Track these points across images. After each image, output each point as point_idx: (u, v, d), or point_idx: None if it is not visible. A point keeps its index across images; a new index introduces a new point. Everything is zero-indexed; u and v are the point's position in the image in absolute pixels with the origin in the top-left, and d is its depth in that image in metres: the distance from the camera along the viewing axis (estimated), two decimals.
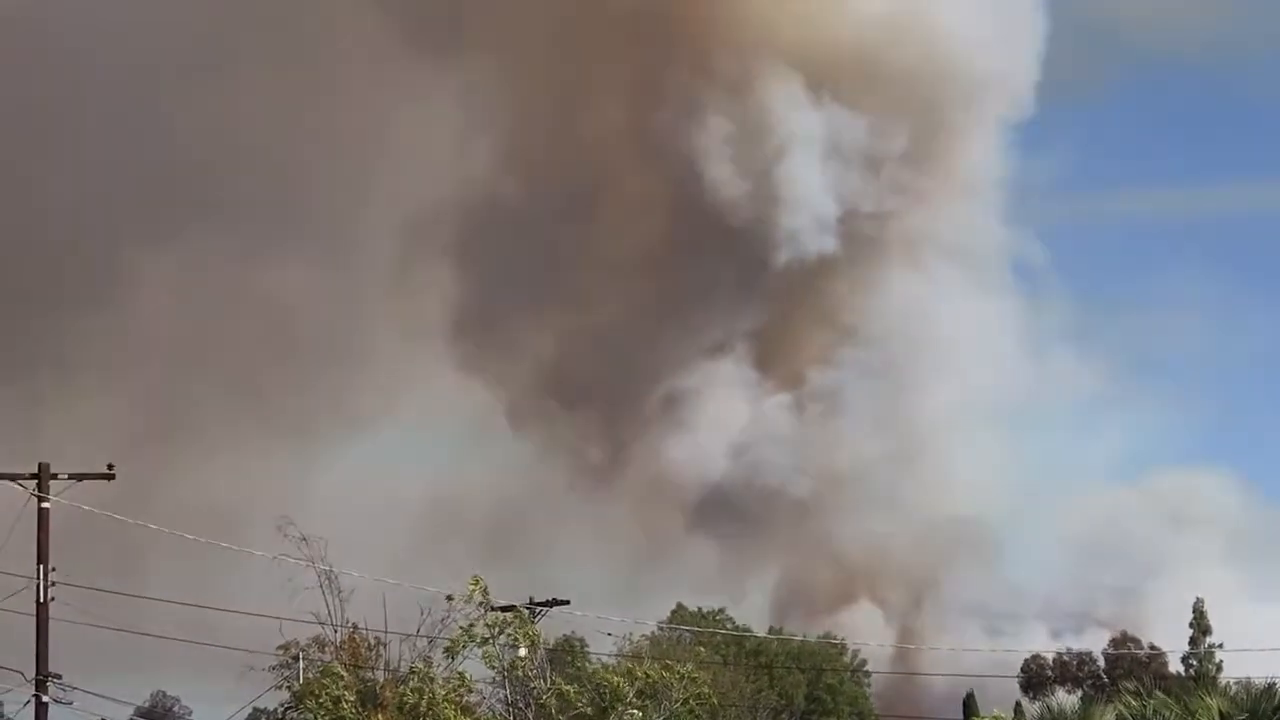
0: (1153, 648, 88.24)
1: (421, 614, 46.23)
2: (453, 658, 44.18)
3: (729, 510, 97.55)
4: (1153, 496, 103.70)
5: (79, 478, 44.76)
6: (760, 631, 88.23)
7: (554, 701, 44.55)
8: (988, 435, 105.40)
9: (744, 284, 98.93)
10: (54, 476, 43.95)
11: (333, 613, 49.32)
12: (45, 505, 44.09)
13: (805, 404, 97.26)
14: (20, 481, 43.75)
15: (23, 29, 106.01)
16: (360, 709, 44.32)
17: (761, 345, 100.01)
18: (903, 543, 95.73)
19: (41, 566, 43.31)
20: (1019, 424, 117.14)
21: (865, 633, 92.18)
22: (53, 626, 43.91)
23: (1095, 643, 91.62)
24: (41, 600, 43.52)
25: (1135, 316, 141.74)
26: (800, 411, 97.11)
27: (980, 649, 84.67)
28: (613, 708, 44.14)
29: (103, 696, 63.67)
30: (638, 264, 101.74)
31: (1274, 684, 37.65)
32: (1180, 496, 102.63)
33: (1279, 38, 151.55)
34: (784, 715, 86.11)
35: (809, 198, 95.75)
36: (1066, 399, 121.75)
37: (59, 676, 46.31)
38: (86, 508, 45.75)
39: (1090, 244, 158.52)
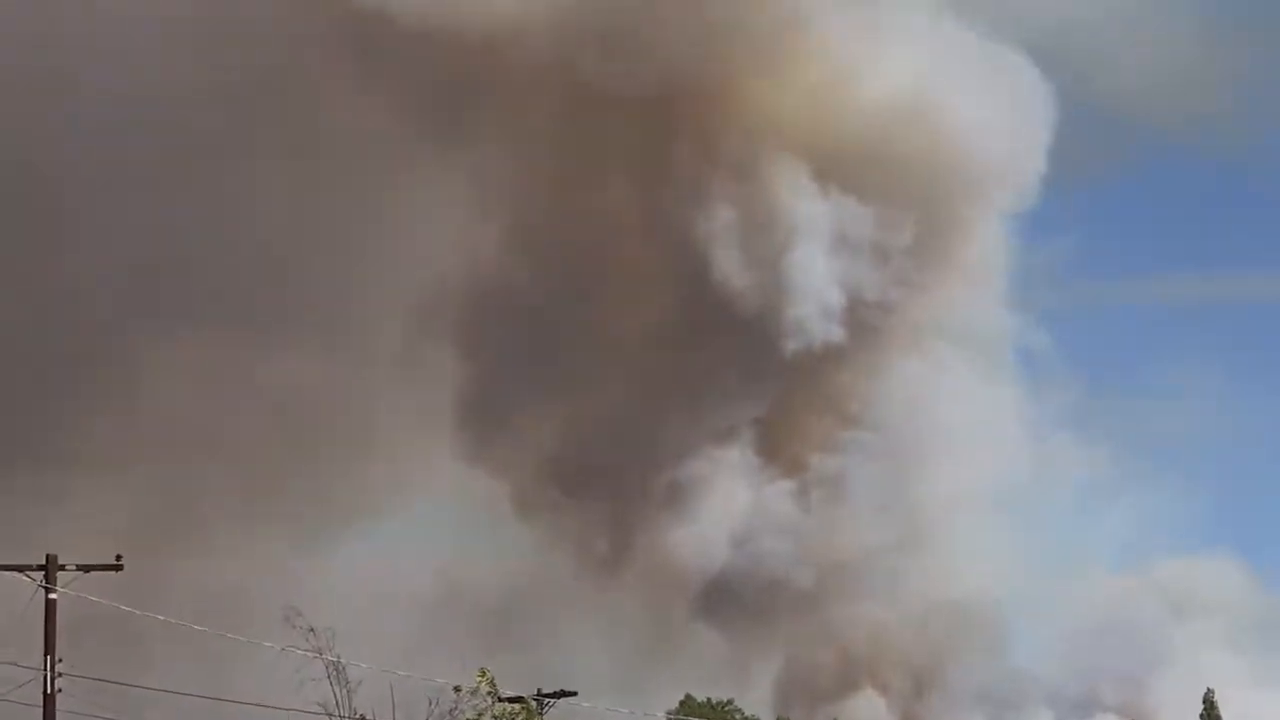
0: None
1: (430, 704, 49.49)
2: None
3: (733, 599, 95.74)
4: (1156, 583, 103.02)
5: (86, 569, 45.15)
6: None
7: None
8: (991, 521, 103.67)
9: (750, 371, 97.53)
10: (62, 568, 44.38)
11: (340, 704, 52.92)
12: (53, 596, 44.49)
13: (809, 490, 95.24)
14: (28, 573, 44.14)
15: (23, 124, 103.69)
16: None
17: (766, 432, 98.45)
18: (905, 629, 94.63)
19: (49, 658, 43.95)
20: (1022, 510, 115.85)
21: None
22: (60, 718, 44.53)
23: None
24: (48, 692, 44.14)
25: (1138, 402, 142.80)
26: (804, 498, 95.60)
27: None
28: None
29: None
30: (643, 349, 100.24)
31: None
32: (1184, 583, 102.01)
33: None
34: None
35: (816, 287, 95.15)
36: (1068, 485, 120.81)
37: None
38: (94, 599, 46.41)
39: (1093, 330, 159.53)
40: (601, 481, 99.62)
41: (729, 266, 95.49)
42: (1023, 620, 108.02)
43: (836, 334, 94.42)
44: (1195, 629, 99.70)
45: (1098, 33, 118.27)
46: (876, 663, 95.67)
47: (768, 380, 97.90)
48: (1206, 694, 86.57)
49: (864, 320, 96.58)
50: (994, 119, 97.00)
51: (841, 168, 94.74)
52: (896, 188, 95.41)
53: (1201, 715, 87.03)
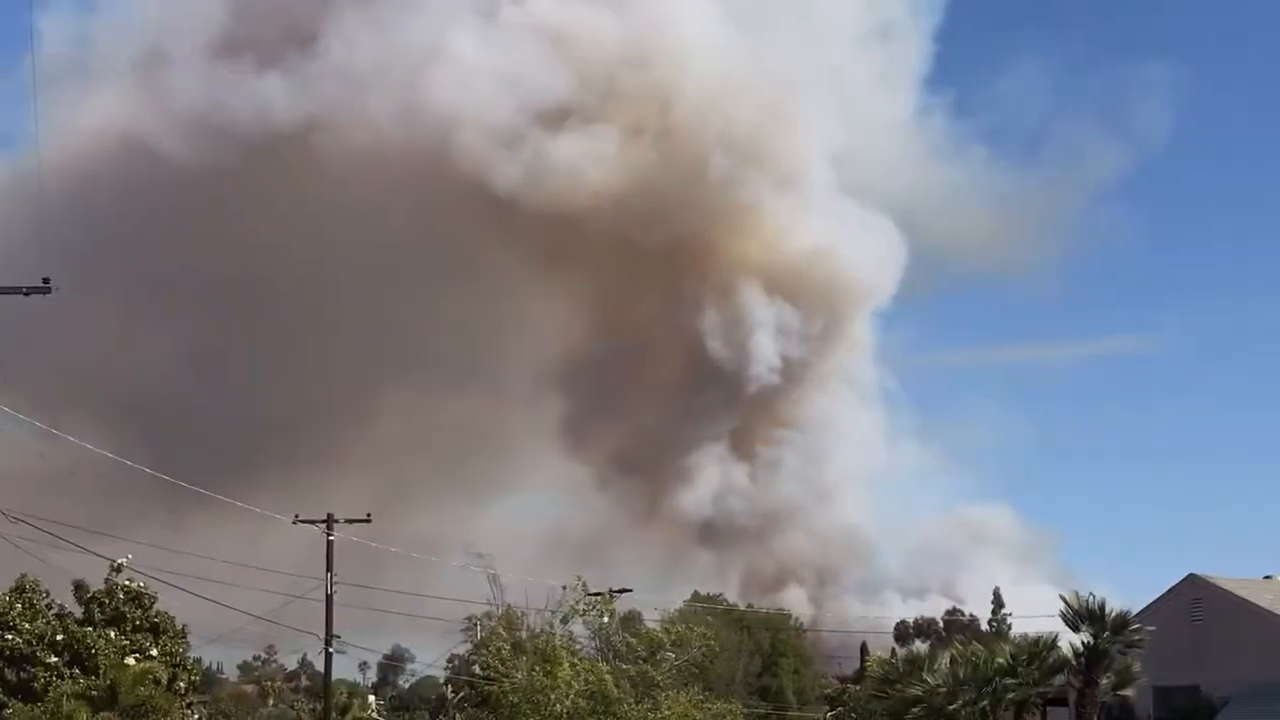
0: (971, 615, 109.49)
1: (547, 598, 55.44)
2: (565, 623, 50.23)
3: (716, 534, 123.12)
4: (961, 522, 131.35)
5: (350, 521, 54.93)
6: (741, 606, 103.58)
7: (624, 648, 50.98)
8: (864, 488, 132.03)
9: (726, 402, 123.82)
10: (336, 521, 53.95)
11: (495, 598, 65.97)
12: (331, 538, 53.61)
13: (758, 470, 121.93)
14: (318, 524, 54.03)
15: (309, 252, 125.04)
16: (512, 654, 51.48)
17: (736, 437, 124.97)
18: (814, 549, 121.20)
19: (329, 575, 53.52)
20: (883, 482, 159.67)
21: (796, 604, 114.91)
22: (335, 609, 54.34)
23: (935, 610, 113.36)
24: (329, 593, 53.37)
25: (949, 422, 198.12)
26: (755, 475, 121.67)
27: (867, 615, 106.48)
28: (657, 651, 50.60)
29: (364, 648, 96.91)
30: (666, 392, 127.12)
31: (1040, 637, 42.71)
32: (977, 523, 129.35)
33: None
34: (756, 656, 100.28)
35: (765, 355, 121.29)
36: (910, 469, 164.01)
37: (339, 637, 56.00)
38: (355, 539, 56.02)
39: (923, 381, 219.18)
40: (643, 467, 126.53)
41: (716, 345, 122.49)
42: (884, 544, 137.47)
43: (776, 380, 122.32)
44: (985, 550, 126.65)
45: (932, 202, 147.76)
46: (798, 569, 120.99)
47: (736, 408, 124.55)
48: (995, 589, 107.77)
49: (793, 372, 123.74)
50: (866, 258, 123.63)
51: (781, 287, 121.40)
52: (812, 298, 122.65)
53: (992, 602, 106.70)
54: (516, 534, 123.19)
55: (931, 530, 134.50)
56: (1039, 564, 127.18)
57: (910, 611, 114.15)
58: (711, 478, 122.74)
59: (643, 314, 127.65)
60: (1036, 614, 77.12)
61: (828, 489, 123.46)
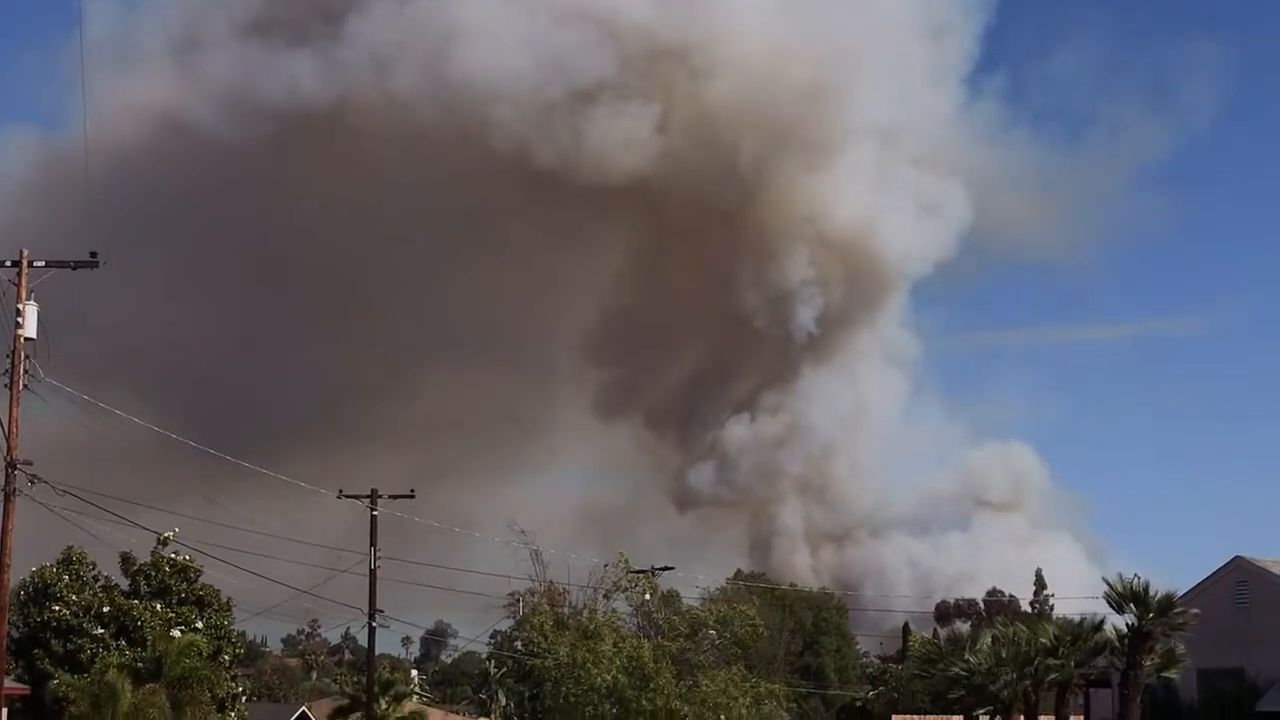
0: (1012, 596, 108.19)
1: (589, 574, 55.93)
2: (607, 599, 51.81)
3: (736, 499, 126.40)
4: (962, 475, 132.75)
5: (393, 497, 54.93)
6: (784, 585, 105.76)
7: (665, 626, 51.66)
8: (879, 442, 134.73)
9: (755, 362, 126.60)
10: (380, 496, 53.89)
11: (538, 573, 64.73)
12: (374, 513, 53.39)
13: (785, 437, 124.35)
14: (361, 499, 54.07)
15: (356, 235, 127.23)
16: (555, 629, 52.95)
17: (760, 405, 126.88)
18: (823, 516, 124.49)
19: (372, 549, 53.40)
20: (901, 449, 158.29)
21: (802, 569, 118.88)
22: (379, 584, 54.06)
23: (977, 592, 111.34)
24: (372, 568, 53.32)
25: (969, 397, 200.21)
26: (782, 428, 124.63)
27: (908, 595, 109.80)
28: (698, 630, 51.57)
29: (407, 623, 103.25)
30: (697, 359, 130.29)
31: (1084, 619, 42.65)
32: (979, 475, 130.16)
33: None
34: (798, 634, 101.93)
35: (803, 324, 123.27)
36: (931, 437, 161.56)
37: (382, 611, 55.51)
38: (398, 514, 56.05)
39: (949, 360, 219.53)
40: (675, 434, 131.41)
41: (751, 314, 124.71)
42: (900, 486, 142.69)
43: (810, 350, 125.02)
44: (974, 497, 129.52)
45: (977, 182, 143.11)
46: (802, 490, 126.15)
47: (763, 367, 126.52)
48: (1037, 570, 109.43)
49: (822, 337, 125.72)
50: (906, 235, 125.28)
51: (820, 259, 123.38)
52: (850, 271, 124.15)
53: (1034, 583, 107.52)
54: (551, 510, 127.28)
55: (938, 481, 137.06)
56: (1076, 544, 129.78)
57: (921, 580, 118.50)
58: (738, 443, 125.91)
59: (678, 285, 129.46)
60: (1073, 595, 78.92)
61: (855, 456, 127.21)
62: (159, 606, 58.01)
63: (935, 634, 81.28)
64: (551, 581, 67.44)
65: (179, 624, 57.24)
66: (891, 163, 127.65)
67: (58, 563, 58.46)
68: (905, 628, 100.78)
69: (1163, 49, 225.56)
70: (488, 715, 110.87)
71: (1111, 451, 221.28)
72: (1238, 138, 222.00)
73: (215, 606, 59.97)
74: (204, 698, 52.85)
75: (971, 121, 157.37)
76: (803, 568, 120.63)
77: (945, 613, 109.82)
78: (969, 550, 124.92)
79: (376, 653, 62.25)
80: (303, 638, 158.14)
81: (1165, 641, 40.52)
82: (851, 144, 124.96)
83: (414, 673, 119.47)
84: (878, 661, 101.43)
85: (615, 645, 48.43)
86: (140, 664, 52.71)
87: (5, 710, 51.63)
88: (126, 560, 59.56)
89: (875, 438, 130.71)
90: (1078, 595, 75.06)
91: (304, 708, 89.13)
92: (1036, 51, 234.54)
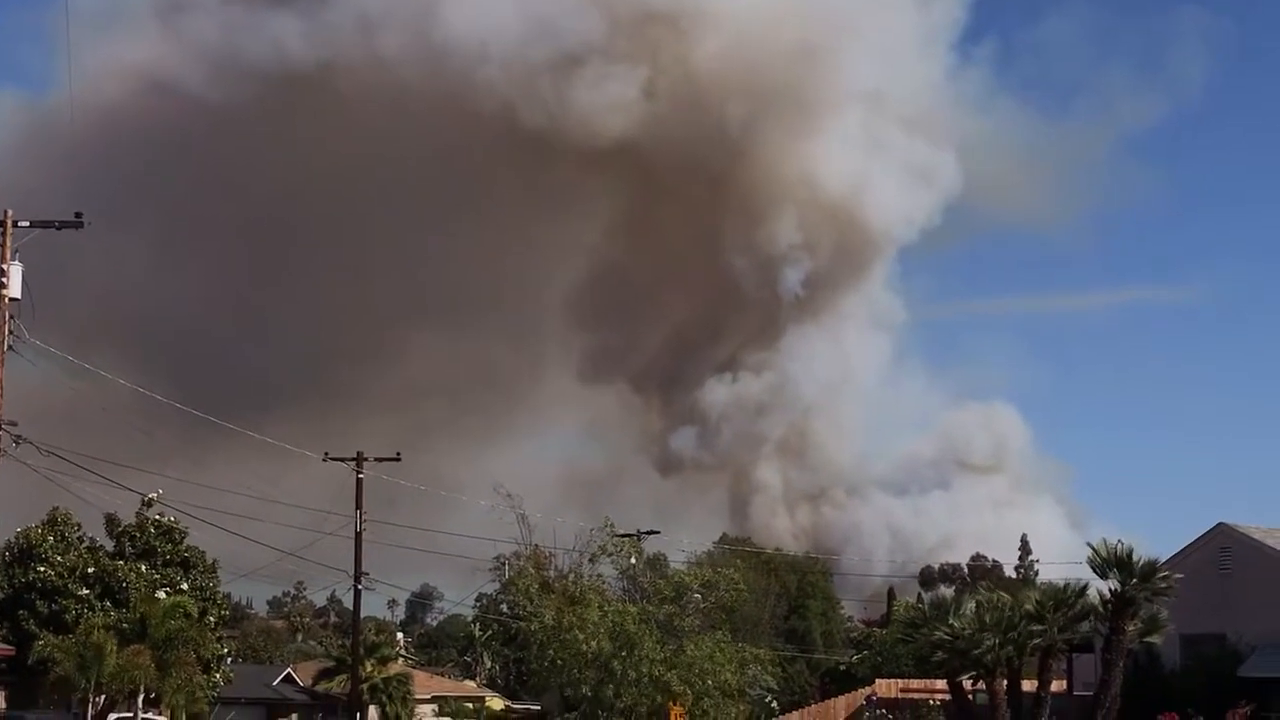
0: (996, 561, 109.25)
1: (575, 538, 55.22)
2: (593, 563, 51.56)
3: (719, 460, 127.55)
4: (941, 437, 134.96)
5: (379, 459, 56.11)
6: (769, 549, 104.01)
7: (651, 590, 51.63)
8: (860, 401, 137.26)
9: (739, 322, 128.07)
10: (366, 459, 55.33)
11: (524, 537, 60.34)
12: (360, 476, 55.01)
13: (767, 398, 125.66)
14: (347, 462, 55.28)
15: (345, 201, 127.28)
16: (541, 592, 52.12)
17: (737, 354, 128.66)
18: (803, 477, 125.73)
19: (358, 511, 54.72)
20: (884, 412, 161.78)
21: (784, 532, 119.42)
22: (365, 547, 55.26)
23: (956, 555, 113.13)
24: (358, 530, 54.76)
25: (948, 360, 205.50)
26: (763, 385, 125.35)
27: (892, 560, 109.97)
28: (683, 594, 51.01)
29: (393, 585, 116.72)
30: (684, 319, 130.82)
31: (1067, 584, 41.54)
32: (958, 436, 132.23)
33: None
34: (783, 598, 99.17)
35: (789, 278, 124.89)
36: (914, 401, 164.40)
37: (368, 574, 56.54)
38: (384, 476, 57.28)
39: (932, 328, 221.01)
40: (661, 386, 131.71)
41: (739, 264, 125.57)
42: (881, 448, 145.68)
43: (795, 311, 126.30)
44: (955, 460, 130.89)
45: (964, 149, 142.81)
46: (783, 452, 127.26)
47: (747, 330, 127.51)
48: (1023, 536, 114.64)
49: (806, 298, 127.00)
50: (893, 200, 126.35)
51: (808, 222, 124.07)
52: (836, 235, 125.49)
53: (1019, 548, 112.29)
54: (536, 474, 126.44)
55: (917, 445, 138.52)
56: (1058, 508, 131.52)
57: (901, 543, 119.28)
58: (719, 405, 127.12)
59: (667, 245, 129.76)
60: (1054, 560, 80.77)
61: (837, 418, 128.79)
62: (144, 568, 58.14)
63: (920, 599, 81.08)
64: (537, 545, 64.66)
65: (164, 585, 57.29)
66: (879, 128, 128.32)
67: (43, 524, 58.63)
68: (890, 593, 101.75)
69: (1152, 17, 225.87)
70: (473, 678, 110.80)
71: (1095, 418, 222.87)
72: (1226, 106, 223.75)
73: (200, 568, 60.13)
74: (189, 659, 52.97)
75: (960, 88, 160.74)
76: (782, 530, 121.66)
77: (930, 577, 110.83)
78: (949, 512, 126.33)
79: (362, 615, 63.08)
80: (288, 600, 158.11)
81: (1148, 607, 39.67)
82: (839, 108, 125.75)
83: (399, 635, 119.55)
84: (862, 626, 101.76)
85: (601, 609, 48.42)
86: (125, 625, 52.85)
87: None
88: (112, 521, 59.70)
89: (858, 400, 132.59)
90: (1059, 560, 75.47)
91: (289, 669, 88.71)
92: (1026, 18, 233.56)
